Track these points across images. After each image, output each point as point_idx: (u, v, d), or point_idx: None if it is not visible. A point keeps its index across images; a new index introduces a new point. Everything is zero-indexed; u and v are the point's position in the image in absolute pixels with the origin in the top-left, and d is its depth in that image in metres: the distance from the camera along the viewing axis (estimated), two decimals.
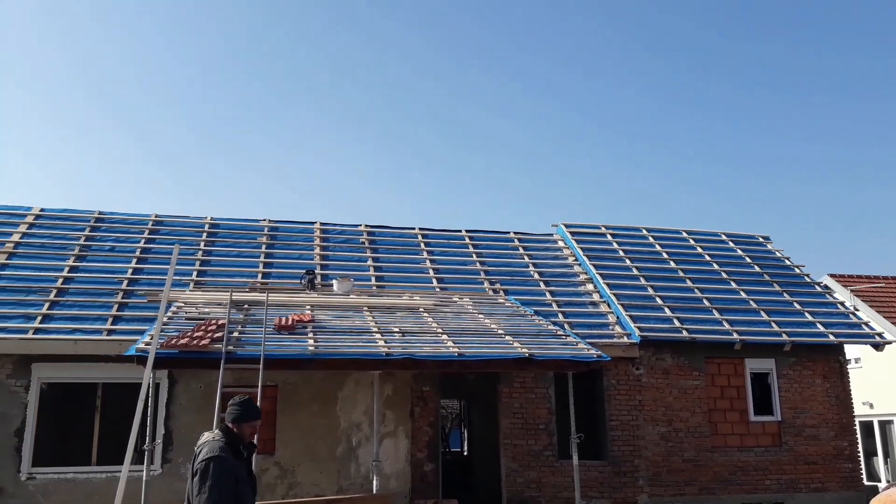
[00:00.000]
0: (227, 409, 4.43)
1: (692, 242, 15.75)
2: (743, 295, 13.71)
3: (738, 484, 11.83)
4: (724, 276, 14.41)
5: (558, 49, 56.04)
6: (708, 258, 15.08)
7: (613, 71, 55.56)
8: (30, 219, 13.07)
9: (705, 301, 13.27)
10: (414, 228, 15.18)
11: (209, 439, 4.31)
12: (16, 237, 12.38)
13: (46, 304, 10.63)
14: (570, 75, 56.14)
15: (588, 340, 10.30)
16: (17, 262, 11.72)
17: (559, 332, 10.25)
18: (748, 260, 15.25)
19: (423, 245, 14.53)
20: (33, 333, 9.95)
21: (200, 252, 12.91)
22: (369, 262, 13.54)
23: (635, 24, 52.06)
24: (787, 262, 15.43)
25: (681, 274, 14.25)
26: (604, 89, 55.89)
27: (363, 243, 14.26)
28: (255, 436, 4.62)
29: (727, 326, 12.47)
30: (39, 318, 10.30)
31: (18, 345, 9.79)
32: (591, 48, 55.20)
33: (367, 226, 14.94)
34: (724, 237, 16.25)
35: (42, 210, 13.47)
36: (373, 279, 12.92)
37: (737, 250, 15.65)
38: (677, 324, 12.30)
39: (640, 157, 58.56)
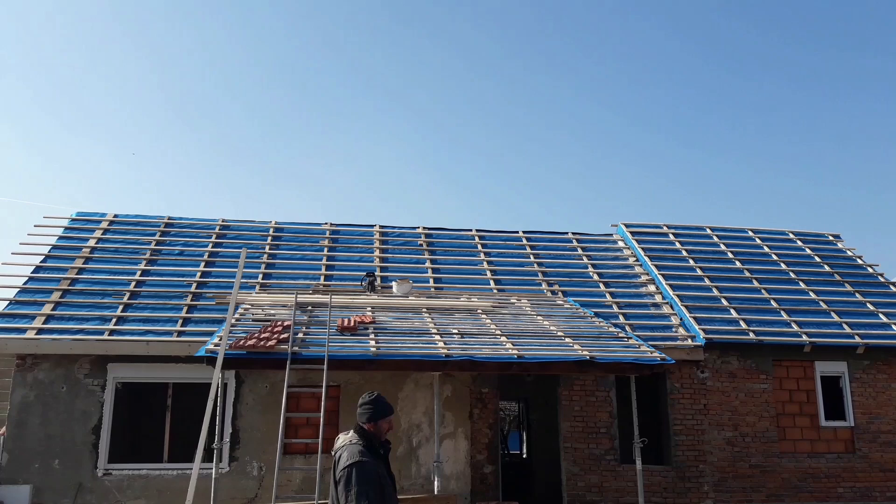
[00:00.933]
0: (358, 410, 4.29)
1: (758, 242, 15.33)
2: (812, 295, 13.27)
3: (809, 491, 11.44)
4: (793, 275, 13.98)
5: (610, 49, 55.23)
6: (775, 258, 14.65)
7: (668, 74, 54.47)
8: (104, 224, 13.65)
9: (773, 302, 12.90)
10: (471, 230, 15.24)
11: (346, 443, 4.18)
12: (92, 242, 12.95)
13: (120, 307, 11.08)
14: (623, 76, 55.28)
15: (650, 343, 10.14)
16: (92, 266, 12.25)
17: (620, 334, 10.12)
18: (818, 259, 14.76)
19: (480, 246, 14.56)
20: (109, 335, 10.37)
21: (266, 255, 13.25)
22: (427, 264, 13.65)
23: (689, 26, 50.90)
24: (860, 262, 14.86)
25: (747, 274, 13.88)
26: (660, 92, 54.80)
27: (421, 245, 14.39)
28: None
29: (796, 328, 12.09)
30: (114, 319, 10.74)
31: (95, 345, 10.22)
32: (647, 50, 54.20)
33: (424, 228, 15.07)
34: (791, 236, 15.77)
35: (115, 216, 14.05)
36: (431, 280, 13.01)
37: (805, 249, 15.16)
38: (744, 325, 11.99)
39: (701, 161, 57.25)
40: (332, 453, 4.25)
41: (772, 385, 11.80)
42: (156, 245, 13.18)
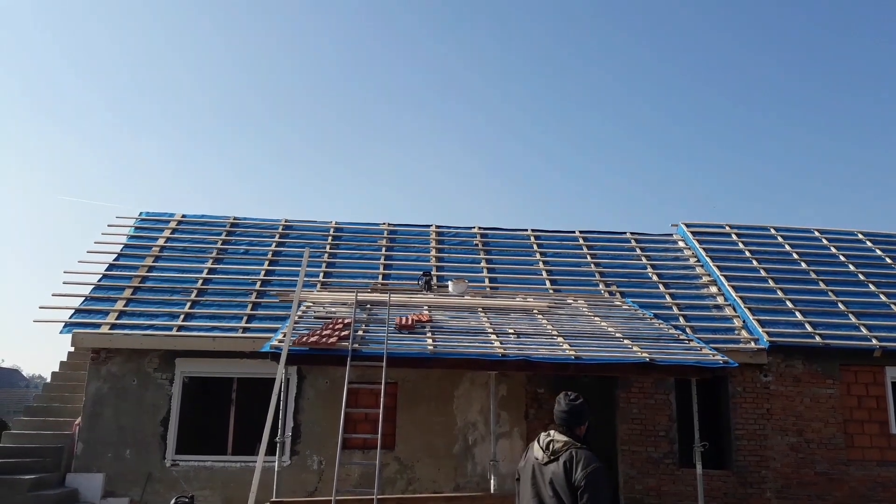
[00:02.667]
0: (566, 413, 4.18)
1: (825, 242, 14.85)
2: (883, 298, 12.78)
3: (878, 501, 11.04)
4: (862, 277, 13.49)
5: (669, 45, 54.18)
6: (843, 259, 14.17)
7: (734, 80, 53.07)
8: (173, 224, 14.18)
9: (840, 305, 12.48)
10: (526, 230, 15.21)
11: (570, 445, 4.06)
12: (161, 241, 13.47)
13: (188, 304, 11.48)
14: (682, 79, 54.13)
15: (712, 345, 9.95)
16: (162, 264, 12.74)
17: (681, 337, 9.97)
18: (888, 261, 14.20)
19: (535, 246, 14.53)
20: (177, 330, 10.77)
21: (326, 255, 13.54)
22: (483, 264, 13.70)
23: (770, 20, 49.54)
24: None
25: (813, 276, 13.47)
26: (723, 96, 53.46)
27: (477, 245, 14.44)
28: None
29: (865, 332, 11.67)
30: (182, 316, 11.14)
31: (164, 341, 10.63)
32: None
33: (480, 228, 15.13)
34: (860, 236, 15.21)
35: (183, 216, 14.56)
36: (486, 280, 13.06)
37: (876, 250, 14.61)
38: (809, 329, 11.65)
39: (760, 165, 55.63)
40: (544, 451, 4.11)
41: (839, 390, 11.42)
42: (222, 244, 13.61)
